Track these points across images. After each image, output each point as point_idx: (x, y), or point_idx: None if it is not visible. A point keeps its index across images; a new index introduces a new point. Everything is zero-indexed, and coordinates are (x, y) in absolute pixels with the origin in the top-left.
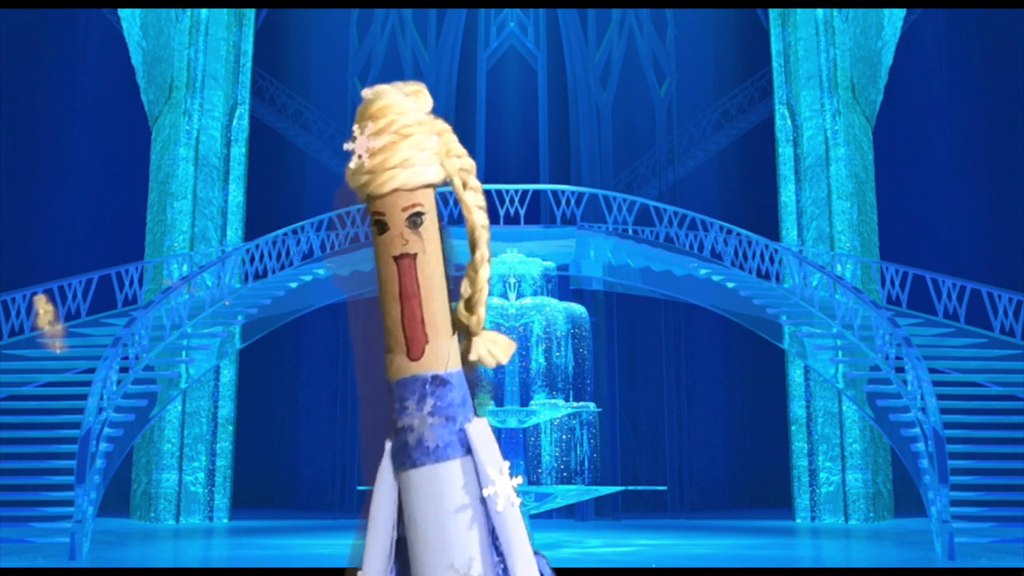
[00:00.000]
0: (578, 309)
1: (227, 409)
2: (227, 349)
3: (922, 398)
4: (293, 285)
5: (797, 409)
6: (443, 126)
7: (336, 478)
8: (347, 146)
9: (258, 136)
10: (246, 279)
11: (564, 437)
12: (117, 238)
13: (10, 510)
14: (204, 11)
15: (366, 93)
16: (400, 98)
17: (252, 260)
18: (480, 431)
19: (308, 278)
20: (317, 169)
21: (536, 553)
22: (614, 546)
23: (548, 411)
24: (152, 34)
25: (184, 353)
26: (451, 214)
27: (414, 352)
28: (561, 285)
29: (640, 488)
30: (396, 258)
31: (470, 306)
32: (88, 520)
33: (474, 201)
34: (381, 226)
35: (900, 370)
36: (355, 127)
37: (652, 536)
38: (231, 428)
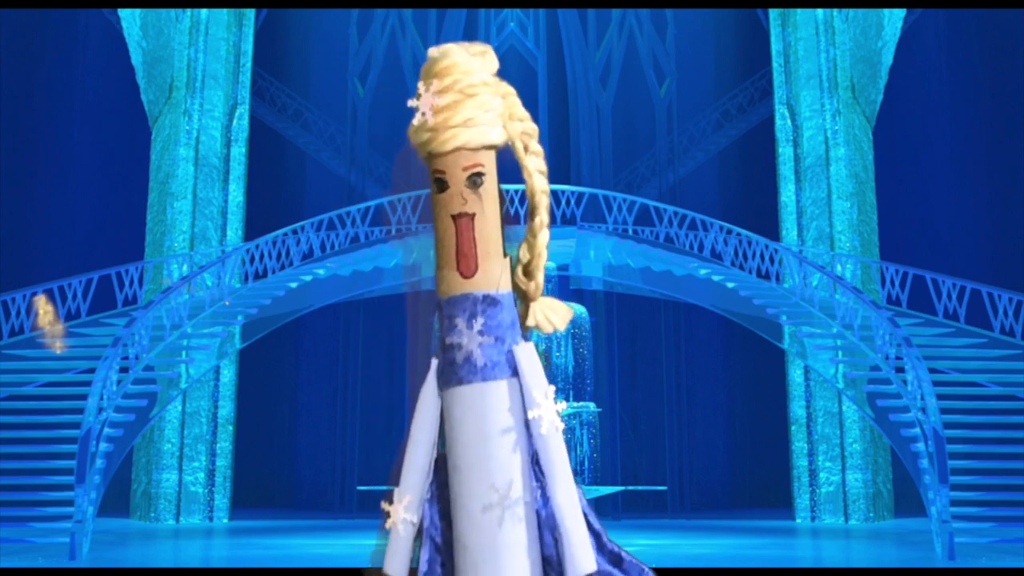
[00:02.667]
0: (578, 309)
1: (227, 409)
2: (227, 349)
3: (922, 398)
4: (293, 285)
5: (797, 409)
6: (508, 88)
7: (336, 478)
8: (411, 103)
9: (258, 136)
10: (246, 279)
11: (564, 437)
12: (117, 238)
13: (10, 510)
14: (204, 11)
15: (433, 51)
16: (466, 57)
17: (252, 260)
18: (528, 354)
19: (308, 278)
20: (317, 169)
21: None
22: None
23: None
24: (152, 34)
25: (184, 353)
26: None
27: (466, 267)
28: (561, 285)
29: (640, 488)
30: (454, 217)
31: (528, 271)
32: (88, 520)
33: (535, 166)
34: (441, 184)
35: (900, 370)
36: (420, 84)
37: (652, 536)
38: (231, 428)
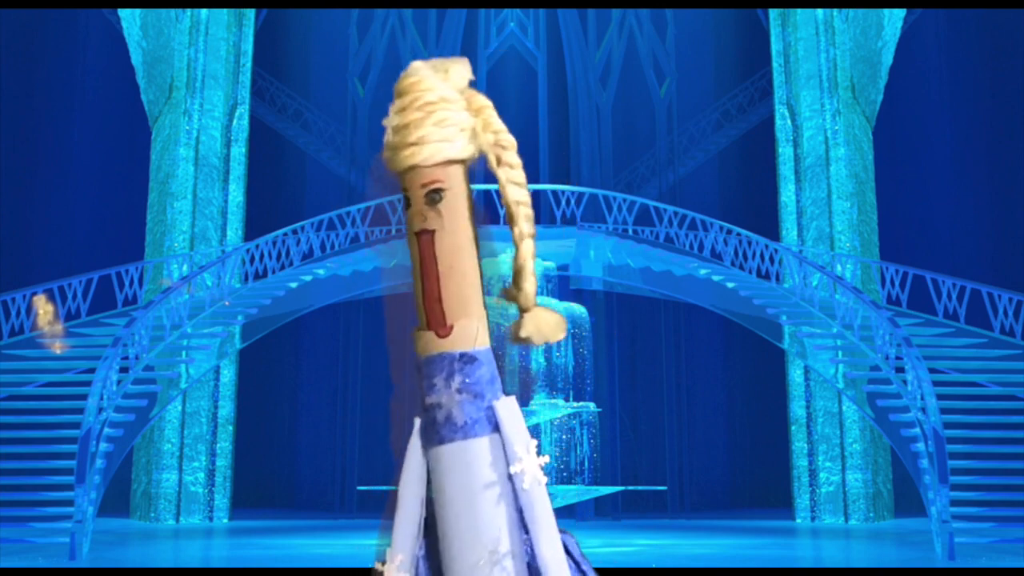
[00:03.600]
0: (578, 309)
1: (227, 409)
2: (227, 349)
3: (922, 398)
4: (293, 285)
5: (797, 409)
6: (483, 102)
7: (336, 478)
8: (384, 122)
9: (258, 136)
10: (246, 279)
11: (564, 437)
12: (117, 238)
13: (10, 510)
14: (204, 11)
15: (403, 72)
16: (428, 75)
17: (252, 260)
18: (508, 409)
19: (308, 278)
20: (317, 169)
21: (562, 531)
22: (614, 546)
23: (548, 411)
24: (152, 34)
25: (184, 353)
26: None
27: (439, 330)
28: (561, 285)
29: (640, 488)
30: (417, 234)
31: (516, 283)
32: (88, 520)
33: (508, 177)
34: (406, 202)
35: (900, 370)
36: (391, 104)
37: (652, 536)
38: (231, 428)
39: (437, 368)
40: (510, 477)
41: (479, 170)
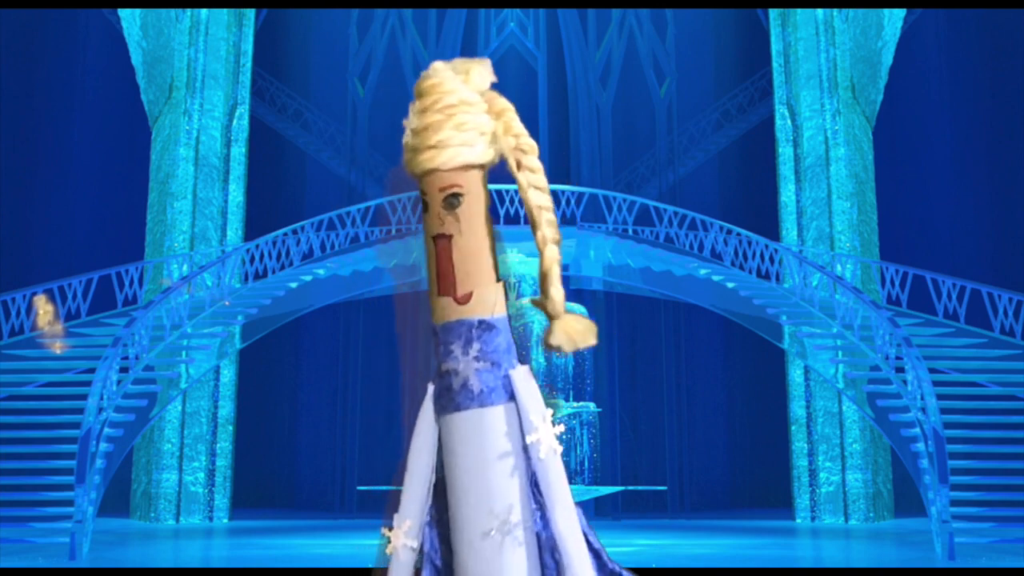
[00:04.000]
0: (578, 309)
1: (227, 409)
2: (227, 349)
3: (922, 398)
4: (293, 285)
5: (797, 409)
6: (504, 105)
7: (336, 478)
8: (405, 123)
9: (258, 136)
10: (246, 279)
11: (564, 437)
12: (117, 238)
13: (10, 510)
14: (204, 11)
15: (424, 72)
16: (450, 77)
17: (252, 260)
18: (524, 378)
19: (308, 278)
20: (317, 169)
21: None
22: (614, 546)
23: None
24: (152, 34)
25: (184, 353)
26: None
27: (444, 290)
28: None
29: (640, 488)
30: (434, 238)
31: (541, 289)
32: (88, 520)
33: (529, 181)
34: (424, 205)
35: (900, 370)
36: (412, 104)
37: (652, 536)
38: (231, 428)
39: (455, 335)
40: (525, 447)
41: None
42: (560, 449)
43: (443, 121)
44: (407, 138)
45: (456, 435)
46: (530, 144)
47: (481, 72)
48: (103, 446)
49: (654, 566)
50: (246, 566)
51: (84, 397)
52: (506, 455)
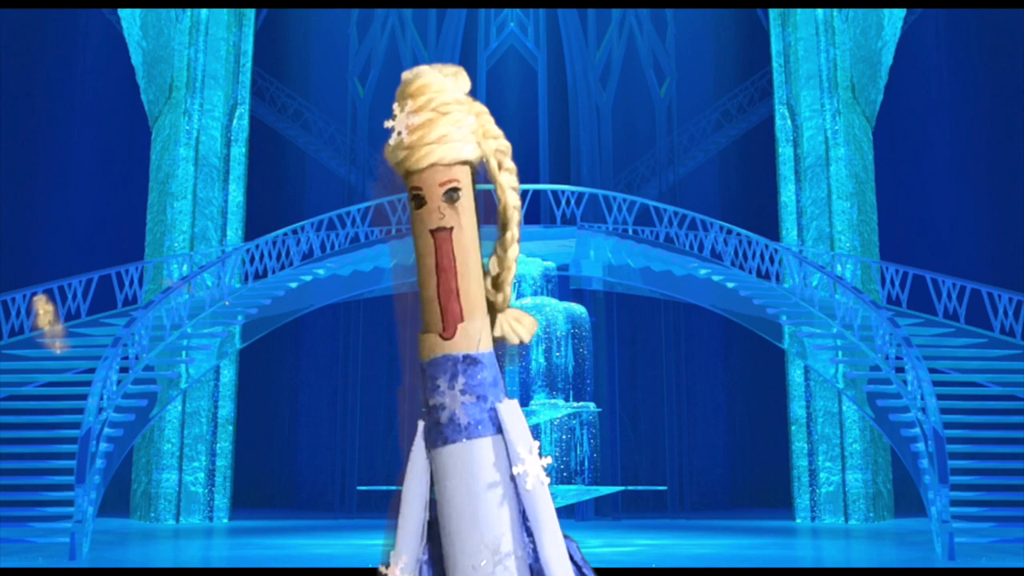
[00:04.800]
0: (578, 309)
1: (227, 409)
2: (227, 349)
3: (922, 398)
4: (293, 285)
5: (797, 409)
6: (480, 107)
7: (336, 478)
8: (387, 124)
9: (258, 136)
10: (246, 279)
11: (564, 437)
12: (117, 238)
13: (10, 510)
14: (204, 11)
15: (406, 74)
16: (439, 77)
17: (252, 260)
18: (510, 411)
19: (308, 278)
20: (317, 169)
21: (565, 536)
22: (614, 546)
23: (548, 411)
24: (152, 34)
25: (184, 353)
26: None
27: (448, 329)
28: (561, 285)
29: (640, 488)
30: (433, 231)
31: (497, 284)
32: (88, 520)
33: (508, 182)
34: (419, 200)
35: (900, 370)
36: (395, 106)
37: (652, 536)
38: (231, 428)
39: (440, 370)
40: (513, 478)
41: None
42: (547, 481)
43: (439, 119)
44: (398, 138)
45: (445, 468)
46: (507, 145)
47: (464, 76)
48: (103, 446)
49: (654, 566)
50: (246, 566)
51: (84, 397)
52: (494, 486)
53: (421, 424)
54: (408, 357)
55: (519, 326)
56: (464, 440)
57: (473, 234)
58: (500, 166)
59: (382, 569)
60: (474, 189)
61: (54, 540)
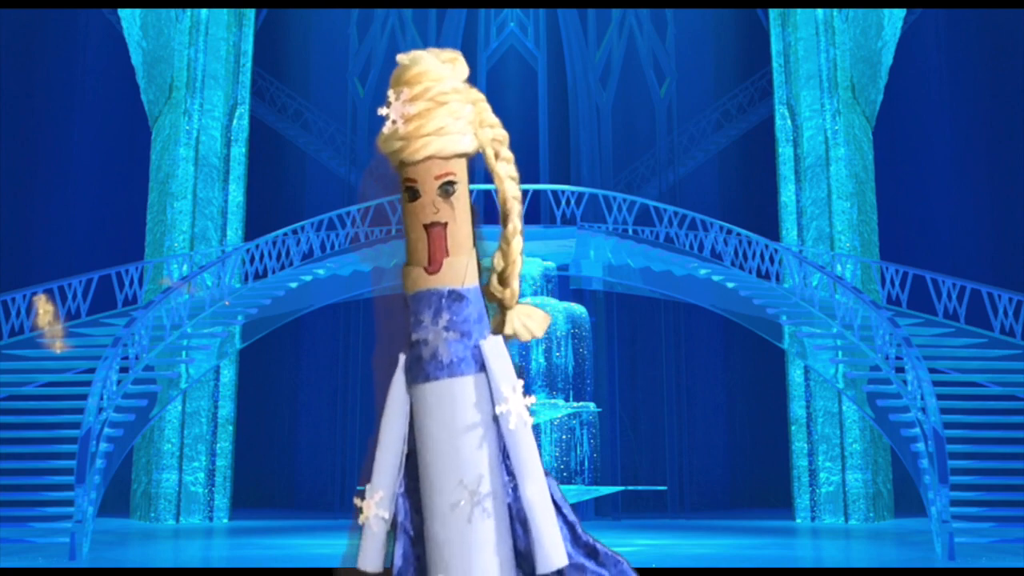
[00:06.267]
0: (578, 309)
1: (227, 409)
2: (227, 349)
3: (922, 398)
4: (293, 285)
5: (797, 409)
6: (477, 95)
7: (336, 478)
8: (381, 111)
9: (258, 136)
10: (246, 279)
11: (564, 437)
12: (117, 238)
13: (10, 510)
14: (204, 11)
15: (402, 58)
16: (437, 64)
17: (252, 260)
18: (495, 348)
19: (308, 278)
20: (317, 169)
21: (546, 474)
22: (614, 546)
23: (548, 411)
24: (152, 34)
25: (184, 353)
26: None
27: (434, 263)
28: (561, 285)
29: (640, 488)
30: (427, 226)
31: (503, 279)
32: (88, 520)
33: (506, 172)
34: (412, 193)
35: (900, 370)
36: (390, 92)
37: (652, 536)
38: (231, 428)
39: (424, 304)
40: (495, 417)
41: (480, 169)
42: (531, 420)
43: (437, 109)
44: (392, 127)
45: (426, 405)
46: (504, 134)
47: (462, 62)
48: (103, 446)
49: (654, 566)
50: (246, 566)
51: (84, 397)
52: (475, 426)
53: (402, 358)
54: (383, 319)
55: (530, 322)
56: (446, 377)
57: (468, 229)
58: (497, 155)
59: (357, 501)
60: (467, 181)
61: (54, 540)
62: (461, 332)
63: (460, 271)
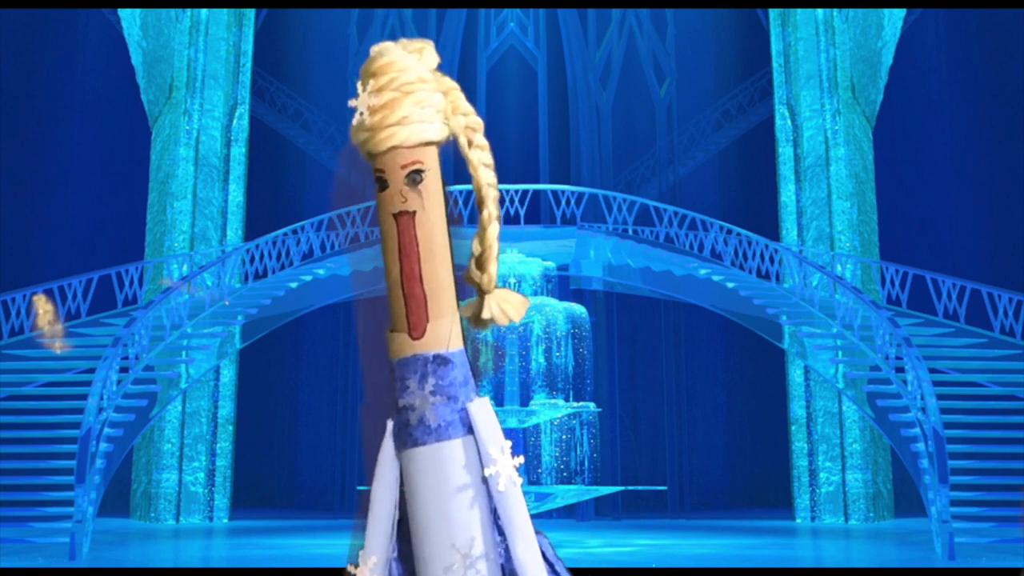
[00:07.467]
0: (578, 309)
1: (227, 409)
2: (227, 349)
3: (922, 398)
4: (293, 285)
5: (797, 409)
6: (450, 84)
7: (336, 478)
8: (351, 103)
9: (258, 136)
10: (246, 279)
11: (564, 437)
12: (117, 238)
13: (10, 510)
14: (204, 11)
15: (372, 50)
16: (403, 55)
17: (252, 260)
18: (482, 410)
19: (308, 278)
20: (317, 169)
21: (537, 533)
22: (614, 546)
23: (548, 411)
24: (152, 34)
25: (184, 353)
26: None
27: (416, 329)
28: (561, 285)
29: (640, 488)
30: (395, 216)
31: (480, 264)
32: (88, 520)
33: (480, 159)
34: (382, 183)
35: (900, 370)
36: (358, 84)
37: (652, 536)
38: (231, 428)
39: (410, 370)
40: (484, 479)
41: (454, 170)
42: (520, 481)
43: (402, 99)
44: (363, 118)
45: (415, 470)
46: (478, 122)
47: (431, 51)
48: (103, 446)
49: (654, 566)
50: (246, 566)
51: (84, 397)
52: (465, 488)
53: (390, 423)
54: (369, 371)
55: (508, 306)
56: (434, 442)
57: (438, 217)
58: (471, 143)
59: (350, 568)
60: (440, 171)
61: (54, 540)
62: (448, 396)
63: (444, 335)
